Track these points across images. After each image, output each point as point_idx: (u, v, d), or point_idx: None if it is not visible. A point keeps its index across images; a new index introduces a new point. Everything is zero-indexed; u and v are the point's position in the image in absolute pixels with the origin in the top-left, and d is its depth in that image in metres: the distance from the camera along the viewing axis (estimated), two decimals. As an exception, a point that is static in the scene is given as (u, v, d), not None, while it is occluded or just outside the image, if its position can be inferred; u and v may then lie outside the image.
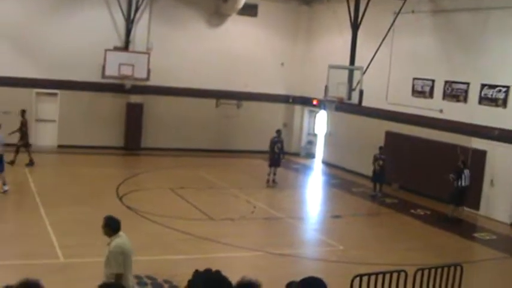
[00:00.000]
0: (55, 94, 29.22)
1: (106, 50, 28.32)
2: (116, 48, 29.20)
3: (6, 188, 19.71)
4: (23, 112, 24.93)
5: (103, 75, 28.52)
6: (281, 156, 25.00)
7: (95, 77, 28.75)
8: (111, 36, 29.35)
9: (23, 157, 24.06)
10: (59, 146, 29.24)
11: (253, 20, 32.23)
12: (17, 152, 24.18)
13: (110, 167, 26.34)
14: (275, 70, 32.95)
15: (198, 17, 31.22)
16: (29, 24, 28.08)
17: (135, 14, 29.13)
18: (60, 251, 14.13)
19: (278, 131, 25.34)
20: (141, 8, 29.09)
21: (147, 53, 29.28)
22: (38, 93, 28.92)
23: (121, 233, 8.84)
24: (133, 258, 8.94)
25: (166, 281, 12.43)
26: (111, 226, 8.82)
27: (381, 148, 24.48)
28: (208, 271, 4.45)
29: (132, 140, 30.13)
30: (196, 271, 4.45)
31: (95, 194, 20.55)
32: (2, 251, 14.05)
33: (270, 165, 24.73)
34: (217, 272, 4.43)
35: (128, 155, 29.38)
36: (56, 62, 28.41)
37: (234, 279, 4.42)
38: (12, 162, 23.68)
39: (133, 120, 30.06)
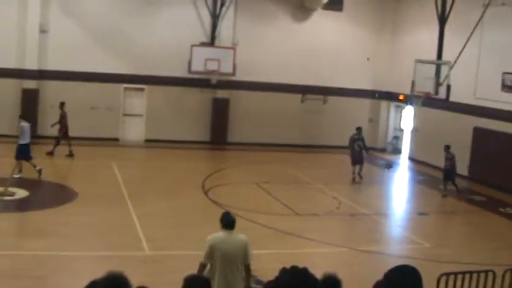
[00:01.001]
0: (142, 89, 29.71)
1: (192, 46, 28.58)
2: (202, 44, 29.42)
3: (18, 175, 20.41)
4: (62, 104, 25.43)
5: (189, 71, 28.79)
6: (363, 153, 24.55)
7: (181, 72, 29.06)
8: (197, 31, 29.61)
9: (63, 149, 24.55)
10: (146, 141, 29.70)
11: (338, 15, 31.88)
12: (57, 143, 24.82)
13: (196, 161, 26.57)
14: (361, 65, 32.52)
15: (283, 11, 31.12)
16: (118, 22, 28.66)
17: (220, 9, 29.26)
18: (146, 243, 14.31)
19: (358, 128, 24.87)
20: (227, 3, 29.19)
21: (233, 48, 29.38)
22: (125, 89, 29.48)
23: (226, 232, 8.73)
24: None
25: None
26: (222, 220, 8.79)
27: (447, 147, 22.94)
28: (295, 268, 4.35)
29: (218, 135, 30.30)
30: (284, 268, 4.36)
31: (181, 187, 20.77)
32: (90, 243, 14.33)
33: (353, 164, 24.32)
34: (304, 269, 4.32)
35: (214, 149, 29.59)
36: (143, 58, 28.88)
37: (318, 275, 4.31)
38: (51, 153, 24.57)
39: (219, 115, 30.23)
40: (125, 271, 4.92)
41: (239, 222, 16.33)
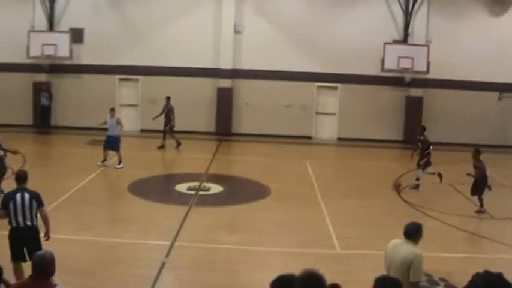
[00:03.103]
0: (335, 88, 29.85)
1: (385, 44, 28.31)
2: (395, 42, 29.05)
3: (107, 164, 21.64)
4: (168, 99, 26.11)
5: (382, 69, 28.56)
6: None
7: (374, 71, 28.91)
8: (389, 29, 29.30)
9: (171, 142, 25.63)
10: (339, 139, 29.82)
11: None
12: (164, 137, 25.72)
13: (388, 160, 26.28)
14: None
15: (479, 6, 29.89)
16: (310, 21, 29.05)
17: (413, 6, 28.72)
18: (338, 241, 14.34)
19: None
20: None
21: (427, 45, 28.73)
22: (318, 87, 29.77)
23: (403, 240, 8.21)
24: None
25: (442, 279, 12.04)
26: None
27: (477, 151, 18.56)
28: (488, 273, 4.20)
29: (412, 134, 29.61)
30: (477, 274, 4.22)
31: (373, 187, 20.61)
32: (282, 239, 14.59)
33: None
34: (499, 275, 4.16)
35: (407, 148, 28.98)
36: (335, 56, 29.04)
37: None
38: (162, 147, 25.65)
39: (412, 114, 29.63)
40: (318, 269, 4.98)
41: (429, 223, 16.02)
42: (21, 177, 10.77)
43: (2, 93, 29.81)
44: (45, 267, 6.80)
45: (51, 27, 30.11)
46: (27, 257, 10.16)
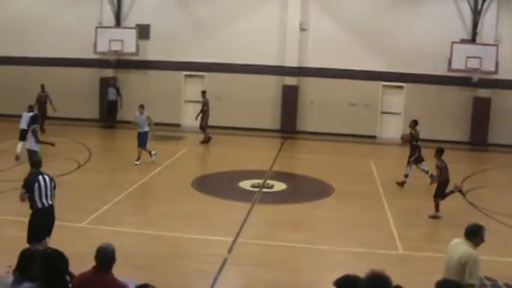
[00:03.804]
0: (401, 87, 29.50)
1: (452, 43, 27.80)
2: (463, 41, 28.51)
3: (137, 162, 21.56)
4: (204, 93, 26.55)
5: (449, 68, 28.07)
6: None
7: (441, 70, 28.43)
8: (457, 28, 28.72)
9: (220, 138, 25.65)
10: (403, 139, 29.45)
11: None
12: (204, 131, 26.23)
13: (453, 162, 25.53)
14: None
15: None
16: (376, 19, 28.81)
17: (482, 5, 28.11)
18: (400, 242, 14.16)
19: None
20: (489, -2, 28.03)
21: (496, 45, 28.09)
22: (384, 86, 29.47)
23: (462, 240, 8.07)
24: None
25: (506, 285, 11.76)
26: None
27: (439, 150, 17.25)
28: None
29: (480, 134, 29.09)
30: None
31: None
32: (344, 238, 14.49)
33: None
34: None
35: (472, 150, 28.52)
36: (401, 55, 28.70)
37: None
38: (209, 139, 26.34)
39: (480, 115, 29.02)
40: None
41: (495, 227, 15.64)
42: (39, 163, 11.68)
43: (70, 88, 30.44)
44: (108, 259, 6.95)
45: (118, 23, 30.61)
46: (49, 235, 11.22)
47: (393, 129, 29.62)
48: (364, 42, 29.12)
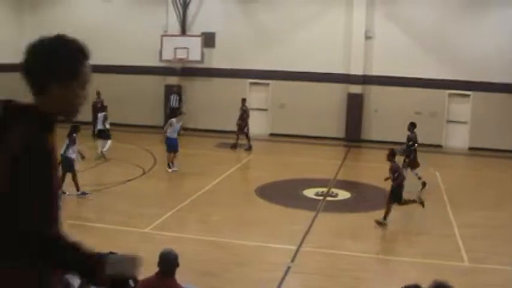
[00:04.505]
0: (467, 95, 28.99)
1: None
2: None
3: (175, 168, 21.70)
4: (244, 101, 26.75)
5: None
6: None
7: (508, 78, 27.84)
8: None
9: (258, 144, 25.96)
10: (470, 149, 28.97)
11: None
12: (247, 138, 26.48)
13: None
14: None
15: None
16: (442, 27, 28.43)
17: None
18: (466, 254, 13.89)
19: None
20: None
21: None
22: (450, 95, 29.02)
23: None
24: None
25: None
26: None
27: (391, 153, 16.79)
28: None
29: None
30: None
31: (507, 199, 19.77)
32: (409, 248, 14.35)
33: None
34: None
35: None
36: (468, 63, 28.22)
37: None
38: (249, 148, 26.50)
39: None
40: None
41: None
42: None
43: (136, 95, 30.96)
44: (170, 265, 7.04)
45: (183, 31, 30.96)
46: None
47: (459, 138, 29.17)
48: (429, 50, 28.73)
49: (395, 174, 16.30)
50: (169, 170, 21.72)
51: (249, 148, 26.58)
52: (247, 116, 26.82)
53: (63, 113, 3.33)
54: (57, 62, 3.20)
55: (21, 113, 3.19)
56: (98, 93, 28.25)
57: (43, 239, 3.06)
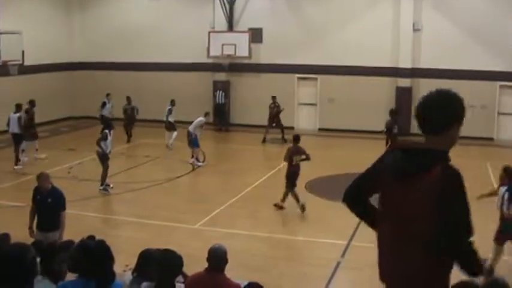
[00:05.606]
0: (519, 87, 28.52)
1: None
2: None
3: (200, 163, 22.17)
4: (274, 98, 27.23)
5: None
6: None
7: None
8: None
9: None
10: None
11: None
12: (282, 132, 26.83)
13: None
14: None
15: None
16: (491, 17, 27.83)
17: None
18: None
19: None
20: None
21: None
22: (501, 86, 28.52)
23: None
24: None
25: None
26: None
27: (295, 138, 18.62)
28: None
29: None
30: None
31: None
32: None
33: None
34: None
35: None
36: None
37: None
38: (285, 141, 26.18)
39: None
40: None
41: None
42: None
43: (185, 92, 31.09)
44: (220, 261, 7.08)
45: (230, 27, 31.03)
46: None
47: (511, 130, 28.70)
48: (479, 42, 28.22)
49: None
50: (200, 164, 22.36)
51: (285, 141, 26.59)
52: (279, 111, 27.37)
53: (449, 148, 4.25)
54: (460, 108, 4.26)
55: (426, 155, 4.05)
56: (128, 99, 27.78)
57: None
